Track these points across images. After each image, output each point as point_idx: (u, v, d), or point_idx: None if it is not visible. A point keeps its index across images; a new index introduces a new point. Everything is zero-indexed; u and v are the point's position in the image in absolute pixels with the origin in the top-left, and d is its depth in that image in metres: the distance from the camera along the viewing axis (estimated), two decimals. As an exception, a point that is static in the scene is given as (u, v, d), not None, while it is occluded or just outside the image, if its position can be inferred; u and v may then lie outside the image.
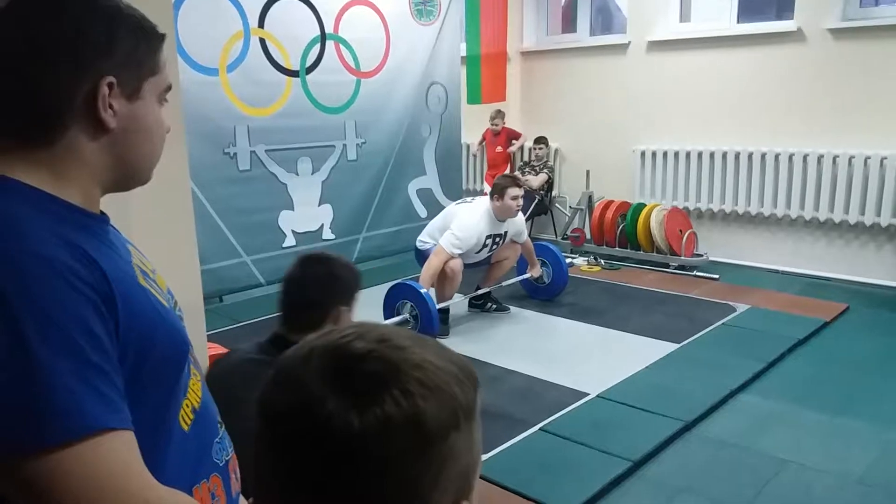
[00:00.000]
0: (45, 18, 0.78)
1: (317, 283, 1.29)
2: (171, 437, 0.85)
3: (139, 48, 0.83)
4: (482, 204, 4.11)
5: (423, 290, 3.78)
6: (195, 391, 0.91)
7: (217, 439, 0.94)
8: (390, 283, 5.06)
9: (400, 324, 3.84)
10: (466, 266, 4.13)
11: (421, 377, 0.54)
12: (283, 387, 0.55)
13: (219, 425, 0.96)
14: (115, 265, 0.78)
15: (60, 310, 0.70)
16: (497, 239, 4.16)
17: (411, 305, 3.81)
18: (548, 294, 4.66)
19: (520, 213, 4.24)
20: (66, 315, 0.70)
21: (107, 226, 0.86)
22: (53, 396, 0.68)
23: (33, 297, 0.69)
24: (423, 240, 4.29)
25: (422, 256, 4.24)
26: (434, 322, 3.74)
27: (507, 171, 6.23)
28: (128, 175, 0.88)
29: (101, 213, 0.86)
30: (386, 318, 3.90)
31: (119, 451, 0.72)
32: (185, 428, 0.87)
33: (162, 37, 0.88)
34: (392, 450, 0.51)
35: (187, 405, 0.88)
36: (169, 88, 0.90)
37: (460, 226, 3.99)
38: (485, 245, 4.10)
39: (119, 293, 0.76)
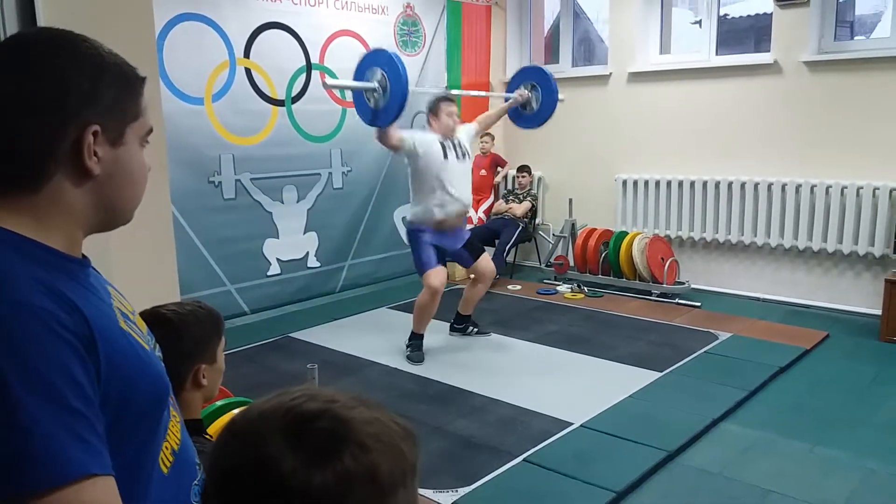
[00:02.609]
0: (31, 70, 0.80)
1: (163, 351, 1.03)
2: (150, 480, 0.85)
3: (122, 95, 0.85)
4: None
5: (392, 53, 3.63)
6: (174, 433, 0.91)
7: (196, 481, 0.94)
8: (376, 310, 5.10)
9: (368, 91, 3.65)
10: (456, 255, 4.16)
11: (375, 433, 0.55)
12: (236, 445, 0.55)
13: (197, 467, 0.96)
14: (96, 309, 0.79)
15: (43, 356, 0.71)
16: (457, 146, 4.06)
17: (382, 73, 3.62)
18: (536, 121, 4.42)
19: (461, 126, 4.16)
20: (48, 362, 0.71)
21: (88, 269, 0.87)
22: (36, 443, 0.68)
23: (16, 343, 0.70)
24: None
25: (412, 236, 4.13)
26: (403, 88, 3.54)
27: (491, 199, 6.30)
28: (111, 217, 0.89)
29: (83, 256, 0.87)
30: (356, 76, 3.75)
31: (100, 496, 0.72)
32: (165, 470, 0.87)
33: (143, 80, 0.90)
34: None
35: (167, 447, 0.88)
36: (150, 132, 0.91)
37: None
38: (445, 149, 3.99)
39: (100, 338, 0.76)
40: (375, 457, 0.54)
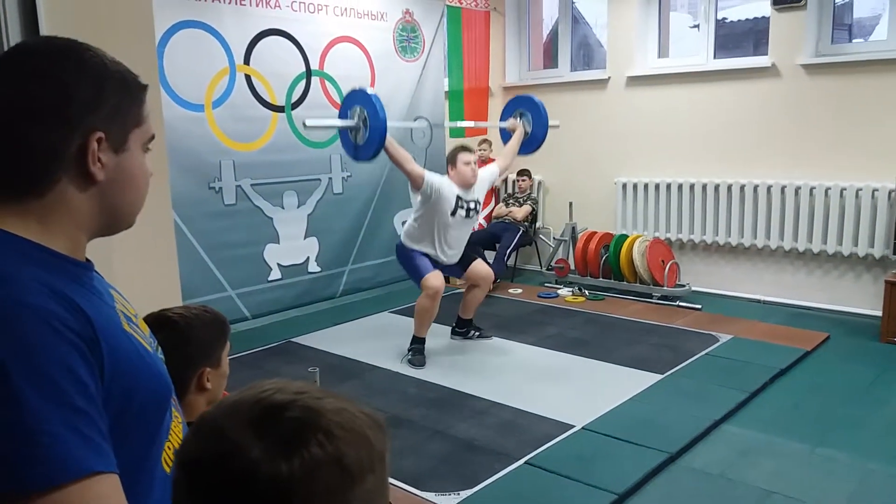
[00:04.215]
0: (36, 78, 0.81)
1: (168, 353, 1.02)
2: (153, 479, 0.87)
3: (125, 102, 0.87)
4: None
5: (370, 92, 3.75)
6: (177, 433, 0.93)
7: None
8: (377, 315, 5.11)
9: (351, 128, 3.78)
10: (446, 269, 4.16)
11: (341, 421, 0.56)
12: (206, 437, 0.57)
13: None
14: (99, 312, 0.81)
15: (47, 357, 0.72)
16: (470, 205, 4.13)
17: (360, 109, 3.75)
18: (529, 147, 4.56)
19: (482, 170, 4.25)
20: (52, 362, 0.72)
21: (91, 272, 0.88)
22: (41, 441, 0.69)
23: (21, 344, 0.71)
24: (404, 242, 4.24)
25: (402, 252, 4.19)
26: (382, 128, 3.65)
27: (492, 204, 6.31)
28: (114, 222, 0.90)
29: (87, 259, 0.89)
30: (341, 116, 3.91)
31: (104, 494, 0.73)
32: (168, 469, 0.88)
33: (145, 87, 0.92)
34: (318, 491, 0.53)
35: (169, 447, 0.90)
36: (152, 138, 0.93)
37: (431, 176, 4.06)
38: (458, 206, 4.07)
39: (104, 339, 0.78)
40: (342, 444, 0.55)
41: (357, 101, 3.81)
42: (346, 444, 0.55)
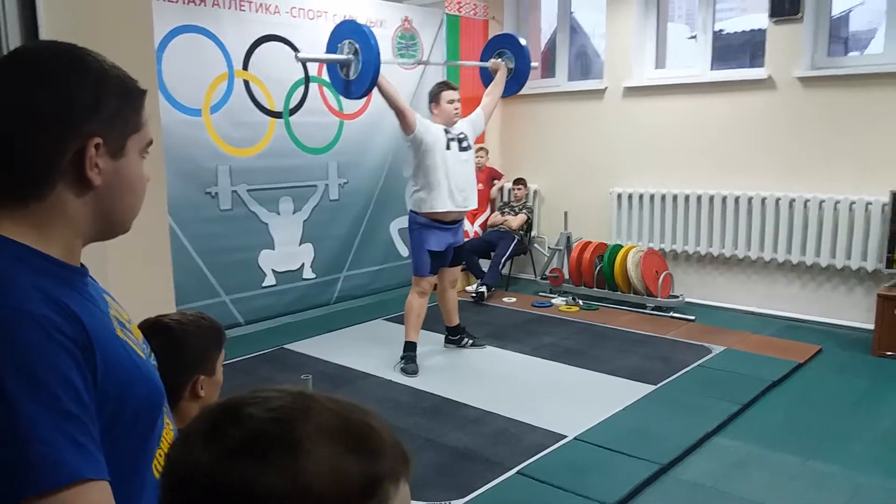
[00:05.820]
0: (36, 83, 0.81)
1: (163, 360, 1.02)
2: (144, 486, 0.87)
3: (124, 108, 0.87)
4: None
5: (363, 24, 3.66)
6: (168, 440, 0.92)
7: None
8: (371, 322, 5.10)
9: (342, 63, 3.69)
10: (445, 258, 4.16)
11: (318, 470, 0.54)
12: (187, 450, 0.56)
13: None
14: (94, 317, 0.81)
15: (41, 362, 0.72)
16: (460, 136, 4.11)
17: (350, 42, 3.65)
18: (514, 86, 4.51)
19: (469, 118, 4.24)
20: (46, 367, 0.72)
21: (86, 278, 0.88)
22: (32, 447, 0.69)
23: (15, 349, 0.71)
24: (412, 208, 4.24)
25: (413, 227, 4.17)
26: (375, 58, 3.54)
27: (487, 212, 6.32)
28: (110, 227, 0.90)
29: (81, 265, 0.89)
30: (328, 50, 3.79)
31: (94, 501, 0.73)
32: (159, 476, 0.88)
33: (144, 93, 0.92)
34: None
35: (160, 454, 0.90)
36: (150, 144, 0.93)
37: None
38: (450, 140, 4.05)
39: (98, 345, 0.78)
40: (311, 477, 0.53)
41: (347, 33, 3.64)
42: (317, 478, 0.52)
